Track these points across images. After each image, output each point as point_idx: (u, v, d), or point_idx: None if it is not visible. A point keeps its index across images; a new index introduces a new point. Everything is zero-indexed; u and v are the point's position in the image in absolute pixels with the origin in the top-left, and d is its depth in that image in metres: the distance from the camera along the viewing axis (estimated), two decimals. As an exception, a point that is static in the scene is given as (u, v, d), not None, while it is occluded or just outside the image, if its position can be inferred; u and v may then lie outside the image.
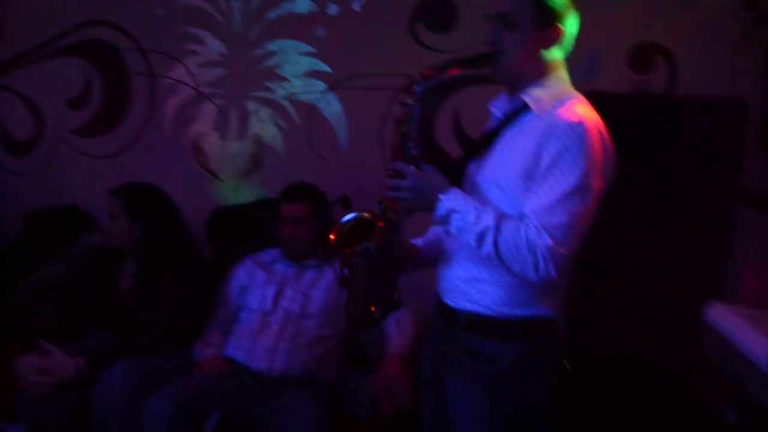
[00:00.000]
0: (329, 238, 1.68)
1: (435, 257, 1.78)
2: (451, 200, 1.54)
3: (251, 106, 3.18)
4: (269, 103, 3.16)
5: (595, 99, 1.58)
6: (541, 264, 1.47)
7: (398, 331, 2.46)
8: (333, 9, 3.03)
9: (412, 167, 1.59)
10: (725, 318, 1.48)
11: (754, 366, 1.30)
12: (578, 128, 1.49)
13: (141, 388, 2.29)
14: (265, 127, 3.18)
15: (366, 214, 1.67)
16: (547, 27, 1.57)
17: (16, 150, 3.48)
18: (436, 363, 1.76)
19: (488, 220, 1.50)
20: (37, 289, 2.79)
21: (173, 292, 2.54)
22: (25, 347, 2.45)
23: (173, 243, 2.64)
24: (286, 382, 2.41)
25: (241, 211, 3.11)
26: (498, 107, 1.71)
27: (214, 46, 3.19)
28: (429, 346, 1.84)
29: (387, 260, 1.64)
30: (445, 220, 1.56)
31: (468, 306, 1.64)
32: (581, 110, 1.54)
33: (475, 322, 1.63)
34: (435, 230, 1.84)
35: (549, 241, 1.46)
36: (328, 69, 3.07)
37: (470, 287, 1.64)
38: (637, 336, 2.41)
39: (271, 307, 2.58)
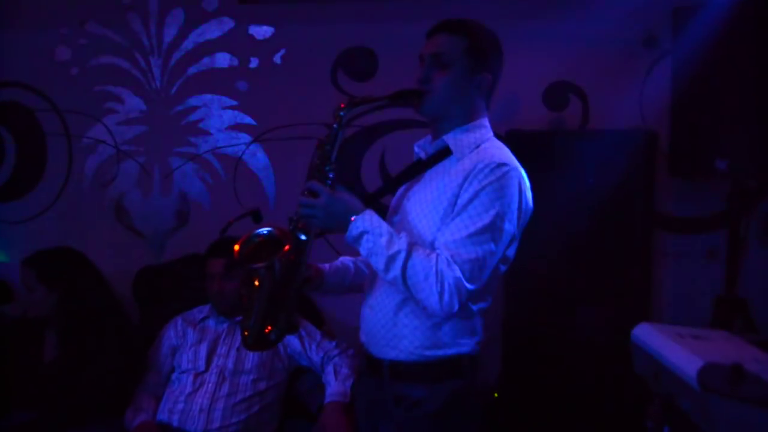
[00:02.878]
0: (233, 249, 1.62)
1: (340, 284, 1.79)
2: (365, 222, 1.54)
3: (175, 162, 3.14)
4: (193, 158, 3.12)
5: (514, 138, 1.63)
6: (446, 295, 1.48)
7: (336, 379, 2.43)
8: (254, 62, 3.05)
9: (327, 187, 1.58)
10: (653, 338, 1.51)
11: (684, 383, 1.34)
12: (497, 171, 1.53)
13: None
14: (189, 182, 3.14)
15: (278, 231, 1.64)
16: (477, 74, 1.62)
17: None
18: (370, 413, 1.74)
19: (401, 244, 1.51)
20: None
21: (98, 357, 2.43)
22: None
23: (94, 307, 2.52)
24: (224, 443, 2.32)
25: (168, 269, 3.03)
26: (421, 147, 1.74)
27: (133, 103, 3.15)
28: (361, 397, 1.81)
29: (290, 280, 1.62)
30: (356, 241, 1.55)
31: (391, 354, 1.64)
32: (502, 155, 1.58)
33: (400, 369, 1.63)
34: (344, 259, 1.84)
35: (458, 274, 1.48)
36: (252, 121, 3.08)
37: (391, 335, 1.63)
38: (573, 363, 2.46)
39: (204, 366, 2.50)
